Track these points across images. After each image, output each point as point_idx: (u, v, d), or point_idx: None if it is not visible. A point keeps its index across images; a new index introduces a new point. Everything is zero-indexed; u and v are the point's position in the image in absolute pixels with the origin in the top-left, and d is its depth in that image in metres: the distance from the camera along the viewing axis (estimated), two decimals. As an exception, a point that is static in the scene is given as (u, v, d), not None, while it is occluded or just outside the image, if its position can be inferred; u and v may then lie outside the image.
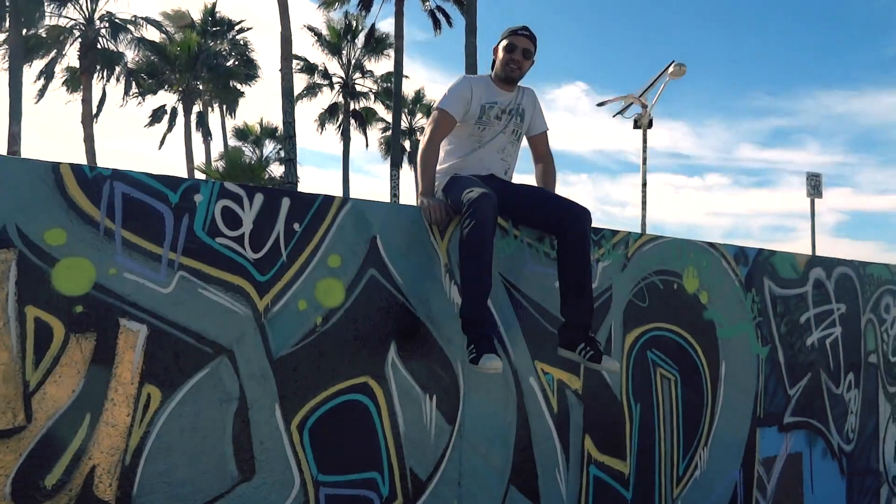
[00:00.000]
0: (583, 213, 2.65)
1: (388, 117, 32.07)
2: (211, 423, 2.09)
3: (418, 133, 36.15)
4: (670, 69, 14.34)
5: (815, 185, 11.65)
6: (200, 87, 27.51)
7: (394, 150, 18.58)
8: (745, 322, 3.67)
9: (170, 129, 27.33)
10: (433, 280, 2.58)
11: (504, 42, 2.93)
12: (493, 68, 3.00)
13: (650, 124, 16.77)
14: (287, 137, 14.06)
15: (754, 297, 3.72)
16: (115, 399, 1.96)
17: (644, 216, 16.87)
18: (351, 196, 2.64)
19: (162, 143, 28.34)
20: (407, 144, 34.30)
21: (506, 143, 2.92)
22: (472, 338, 2.37)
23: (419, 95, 35.84)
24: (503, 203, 2.60)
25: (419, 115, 36.24)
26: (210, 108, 30.13)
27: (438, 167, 2.84)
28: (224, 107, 31.21)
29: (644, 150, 16.71)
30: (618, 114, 17.75)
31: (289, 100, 14.09)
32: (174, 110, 27.12)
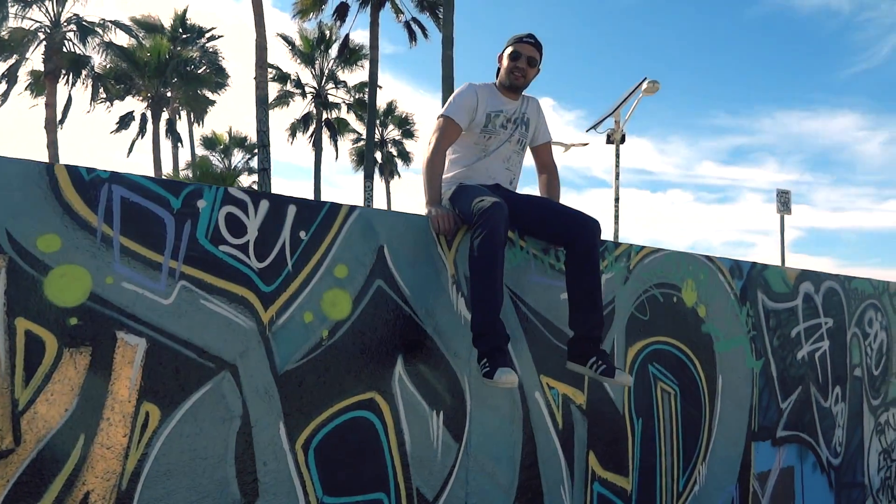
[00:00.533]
0: (593, 224, 2.60)
1: (360, 128, 31.95)
2: (212, 443, 1.96)
3: (389, 145, 36.07)
4: (644, 86, 14.57)
5: (784, 202, 11.92)
6: (168, 93, 26.98)
7: (367, 161, 18.45)
8: (740, 336, 3.66)
9: (140, 135, 26.66)
10: (440, 291, 2.50)
11: (509, 49, 2.87)
12: (497, 76, 2.95)
13: (623, 139, 17.01)
14: (261, 146, 13.80)
15: (749, 310, 3.73)
16: (112, 419, 1.82)
17: (616, 230, 17.06)
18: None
19: (130, 150, 27.67)
20: (378, 156, 34.17)
21: (511, 153, 2.86)
22: (484, 351, 2.29)
23: (391, 107, 35.84)
24: (510, 213, 2.54)
25: (391, 127, 36.20)
26: (177, 116, 29.59)
27: (443, 175, 2.76)
28: (191, 114, 30.69)
29: (617, 166, 16.92)
30: (591, 128, 17.98)
31: (263, 108, 13.86)
32: (143, 117, 26.49)
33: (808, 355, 4.11)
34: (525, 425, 2.68)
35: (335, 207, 2.28)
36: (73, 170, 1.83)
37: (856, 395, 4.48)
